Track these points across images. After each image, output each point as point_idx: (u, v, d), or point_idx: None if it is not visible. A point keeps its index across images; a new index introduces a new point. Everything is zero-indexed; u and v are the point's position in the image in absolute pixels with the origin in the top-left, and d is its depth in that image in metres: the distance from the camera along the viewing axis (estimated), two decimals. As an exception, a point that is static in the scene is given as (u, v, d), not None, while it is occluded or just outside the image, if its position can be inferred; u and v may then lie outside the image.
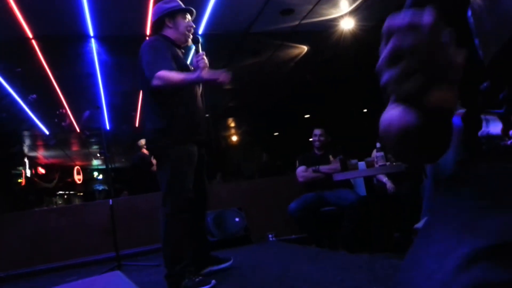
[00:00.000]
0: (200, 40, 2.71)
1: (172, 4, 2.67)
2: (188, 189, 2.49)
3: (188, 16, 2.72)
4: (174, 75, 2.40)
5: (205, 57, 2.57)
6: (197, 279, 2.45)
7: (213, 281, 2.47)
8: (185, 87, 2.49)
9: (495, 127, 0.58)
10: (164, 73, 2.38)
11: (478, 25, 0.38)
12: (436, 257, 0.46)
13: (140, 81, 2.61)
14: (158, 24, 2.70)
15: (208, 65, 2.57)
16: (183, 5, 2.71)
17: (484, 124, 0.61)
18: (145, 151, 5.81)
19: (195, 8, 2.78)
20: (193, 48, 2.72)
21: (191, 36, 2.71)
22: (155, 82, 2.38)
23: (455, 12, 0.58)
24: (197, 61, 2.55)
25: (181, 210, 2.46)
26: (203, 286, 2.41)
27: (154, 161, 5.68)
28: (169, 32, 2.68)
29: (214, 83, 2.43)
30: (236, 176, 10.81)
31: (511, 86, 0.51)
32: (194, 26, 2.73)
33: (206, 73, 2.42)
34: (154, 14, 2.72)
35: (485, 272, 0.41)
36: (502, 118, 0.57)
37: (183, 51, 2.79)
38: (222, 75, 2.39)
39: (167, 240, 2.47)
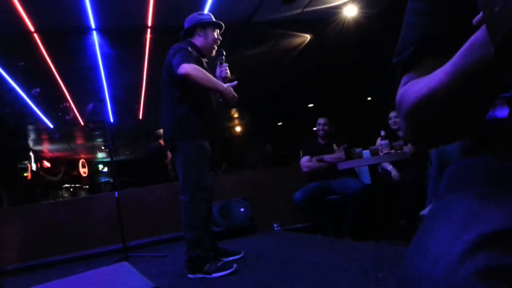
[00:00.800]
0: (224, 53, 2.94)
1: (206, 16, 2.89)
2: (205, 179, 2.68)
3: (217, 31, 2.90)
4: (202, 71, 2.55)
5: (228, 69, 2.89)
6: (219, 264, 2.61)
7: (235, 265, 2.59)
8: (203, 87, 2.61)
9: (502, 112, 0.58)
10: (192, 65, 2.52)
11: (486, 8, 0.37)
12: (442, 243, 0.46)
13: (163, 80, 2.78)
14: (190, 31, 2.88)
15: (230, 76, 2.89)
16: (213, 19, 2.91)
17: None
18: (162, 141, 5.84)
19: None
20: (218, 60, 2.97)
21: (216, 48, 2.90)
22: (181, 70, 2.50)
23: None
24: (221, 71, 2.88)
25: (198, 198, 2.64)
26: (226, 270, 2.53)
27: (169, 155, 5.74)
28: (197, 40, 2.85)
29: (225, 98, 2.70)
30: (240, 166, 10.83)
31: None
32: (221, 39, 2.91)
33: (225, 87, 2.66)
34: (188, 22, 2.89)
35: (491, 258, 0.41)
36: (508, 102, 0.57)
37: (206, 60, 2.92)
38: (234, 98, 2.70)
39: (187, 225, 2.64)
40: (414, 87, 0.58)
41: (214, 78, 2.67)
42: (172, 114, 2.71)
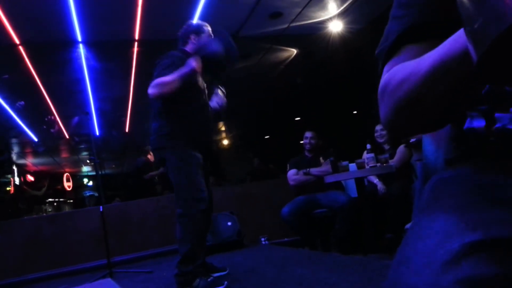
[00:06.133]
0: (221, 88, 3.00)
1: (200, 23, 2.85)
2: (198, 189, 2.52)
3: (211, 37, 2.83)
4: (165, 78, 2.44)
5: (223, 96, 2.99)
6: (209, 279, 2.50)
7: (226, 282, 2.52)
8: (178, 87, 2.49)
9: (479, 123, 0.59)
10: (157, 80, 2.45)
11: (467, 25, 0.38)
12: (425, 253, 0.47)
13: None
14: (184, 39, 2.82)
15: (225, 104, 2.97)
16: (209, 29, 2.85)
17: (468, 120, 0.61)
18: (150, 156, 5.87)
19: (184, 11, 2.85)
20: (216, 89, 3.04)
21: None
22: (150, 90, 2.45)
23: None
24: (217, 101, 2.95)
25: (194, 211, 2.49)
26: (216, 286, 2.45)
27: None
28: (190, 48, 2.78)
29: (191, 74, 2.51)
30: (227, 179, 10.79)
31: (496, 84, 0.52)
32: None
33: (193, 64, 2.49)
34: (182, 30, 2.85)
35: (474, 268, 0.41)
36: (484, 114, 0.58)
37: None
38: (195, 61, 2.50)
39: (182, 240, 2.50)
40: (401, 68, 0.58)
41: (178, 72, 2.46)
42: (157, 125, 2.63)
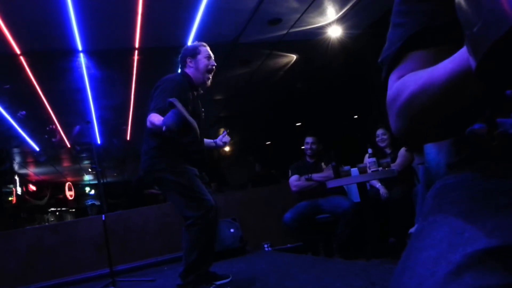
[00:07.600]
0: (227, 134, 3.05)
1: (196, 45, 2.81)
2: (205, 199, 2.50)
3: (211, 58, 2.79)
4: (155, 120, 2.35)
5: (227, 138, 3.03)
6: (211, 287, 2.52)
7: None
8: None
9: (480, 128, 0.58)
10: (150, 116, 2.40)
11: (466, 29, 0.38)
12: (428, 263, 0.46)
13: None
14: (182, 62, 2.81)
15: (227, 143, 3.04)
16: (207, 48, 2.81)
17: None
18: None
19: (183, 19, 2.84)
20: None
21: (210, 78, 2.80)
22: (147, 123, 2.43)
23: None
24: (222, 138, 3.01)
25: (204, 220, 2.46)
26: None
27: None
28: (190, 71, 2.77)
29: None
30: (229, 186, 10.77)
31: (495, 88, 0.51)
32: (215, 65, 2.81)
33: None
34: (181, 53, 2.83)
35: (477, 278, 0.41)
36: (485, 119, 0.58)
37: (201, 91, 2.86)
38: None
39: (190, 249, 2.47)
40: (414, 79, 0.55)
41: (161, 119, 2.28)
42: (150, 147, 2.61)
